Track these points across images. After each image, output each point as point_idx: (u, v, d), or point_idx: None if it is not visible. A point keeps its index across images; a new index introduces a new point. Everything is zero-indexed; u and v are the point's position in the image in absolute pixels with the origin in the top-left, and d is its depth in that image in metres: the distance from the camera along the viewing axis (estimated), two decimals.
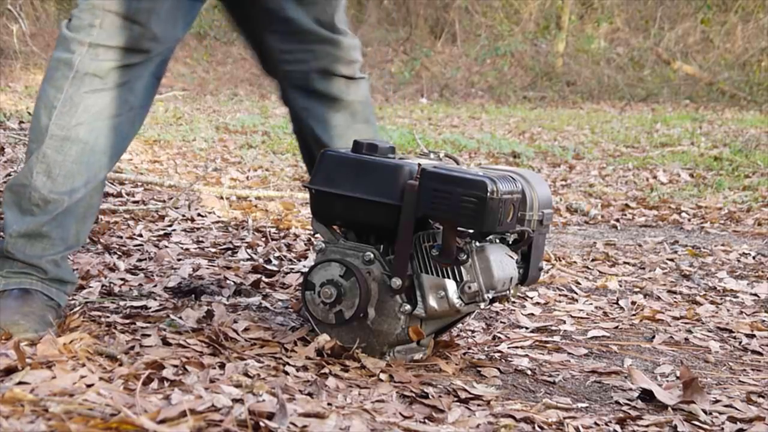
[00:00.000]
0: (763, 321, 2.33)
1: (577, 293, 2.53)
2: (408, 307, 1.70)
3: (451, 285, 1.68)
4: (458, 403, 1.56)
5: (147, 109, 1.89)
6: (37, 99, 1.82)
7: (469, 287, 1.67)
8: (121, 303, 2.00)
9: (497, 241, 1.75)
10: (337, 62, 1.98)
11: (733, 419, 1.58)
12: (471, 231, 1.69)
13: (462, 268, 1.68)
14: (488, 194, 1.60)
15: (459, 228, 1.66)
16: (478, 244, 1.70)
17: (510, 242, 1.77)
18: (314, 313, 1.75)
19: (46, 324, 1.72)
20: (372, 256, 1.72)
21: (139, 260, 2.49)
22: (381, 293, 1.72)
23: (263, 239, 2.91)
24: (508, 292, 1.75)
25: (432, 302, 1.69)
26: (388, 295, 1.71)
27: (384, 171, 1.70)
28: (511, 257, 1.75)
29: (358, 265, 1.72)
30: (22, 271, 1.79)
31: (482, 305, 1.71)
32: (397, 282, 1.69)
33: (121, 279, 2.24)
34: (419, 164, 1.69)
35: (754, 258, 3.19)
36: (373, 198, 1.69)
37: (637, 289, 2.62)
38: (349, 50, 1.99)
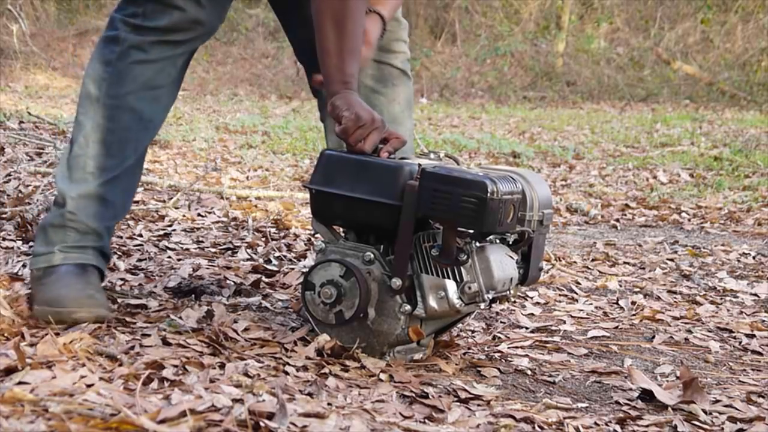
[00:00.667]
0: (763, 321, 2.33)
1: (577, 293, 2.53)
2: (408, 307, 1.70)
3: (451, 285, 1.68)
4: (458, 403, 1.56)
5: (181, 81, 1.98)
6: (84, 76, 1.92)
7: (469, 287, 1.67)
8: (121, 303, 2.00)
9: (497, 241, 1.75)
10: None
11: (733, 419, 1.58)
12: (471, 231, 1.69)
13: (462, 268, 1.68)
14: (488, 195, 1.60)
15: (459, 228, 1.66)
16: (478, 244, 1.69)
17: (510, 242, 1.77)
18: (314, 313, 1.75)
19: (104, 306, 1.80)
20: (372, 256, 1.72)
21: (139, 260, 2.49)
22: (381, 293, 1.72)
23: (263, 239, 2.91)
24: (508, 292, 1.75)
25: (432, 302, 1.69)
26: (388, 296, 1.71)
27: (384, 171, 1.69)
28: (511, 257, 1.75)
29: (358, 265, 1.72)
30: (78, 244, 1.86)
31: (482, 305, 1.71)
32: (397, 282, 1.69)
33: (121, 279, 2.24)
34: (419, 164, 1.69)
35: (754, 258, 3.19)
36: (373, 198, 1.69)
37: (637, 289, 2.62)
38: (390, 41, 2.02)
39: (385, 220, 1.69)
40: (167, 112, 1.98)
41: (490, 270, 1.68)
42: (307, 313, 1.77)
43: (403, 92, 2.05)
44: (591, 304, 2.42)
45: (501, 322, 2.16)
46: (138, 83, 1.89)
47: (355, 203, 1.71)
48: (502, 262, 1.71)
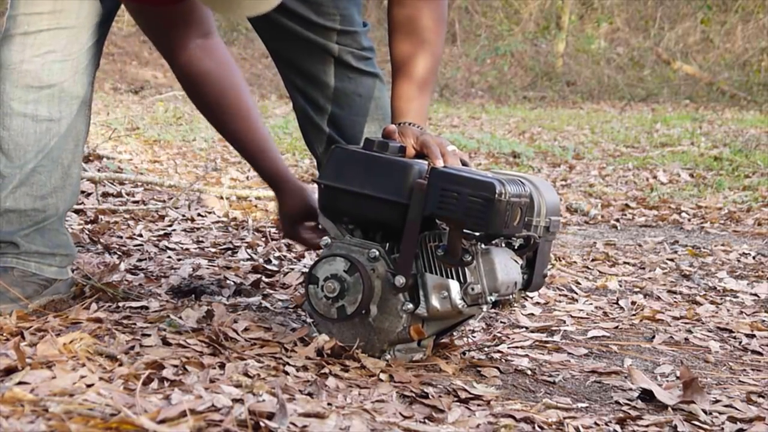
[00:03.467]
0: (763, 321, 2.33)
1: (577, 293, 2.53)
2: (410, 306, 1.70)
3: (454, 286, 1.68)
4: (458, 403, 1.56)
5: (91, 73, 1.91)
6: None
7: (473, 289, 1.67)
8: (121, 303, 2.00)
9: (503, 245, 1.75)
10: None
11: (733, 419, 1.58)
12: (477, 234, 1.68)
13: (466, 269, 1.68)
14: (496, 195, 1.60)
15: (465, 230, 1.66)
16: (483, 246, 1.69)
17: (516, 247, 1.77)
18: (316, 307, 1.74)
19: (10, 300, 1.83)
20: (377, 253, 1.71)
21: (139, 260, 2.49)
22: (384, 291, 1.71)
23: (263, 239, 2.91)
24: (511, 296, 1.75)
25: (435, 302, 1.69)
26: (391, 293, 1.71)
27: (394, 169, 1.69)
28: (516, 261, 1.74)
29: (363, 261, 1.71)
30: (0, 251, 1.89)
31: (485, 308, 1.71)
32: (400, 280, 1.69)
33: (122, 279, 2.24)
34: (429, 163, 1.69)
35: (754, 258, 3.19)
36: (381, 195, 1.69)
37: (637, 289, 2.62)
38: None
39: (393, 217, 1.69)
40: (80, 106, 1.90)
41: (495, 272, 1.68)
42: (309, 307, 1.76)
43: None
44: (591, 304, 2.42)
45: (501, 322, 2.16)
46: (21, 86, 1.84)
47: (364, 199, 1.71)
48: (507, 266, 1.71)
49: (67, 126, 1.89)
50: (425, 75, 1.87)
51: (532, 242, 1.73)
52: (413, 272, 1.69)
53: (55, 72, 1.85)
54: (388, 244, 1.73)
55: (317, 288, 1.74)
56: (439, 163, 1.71)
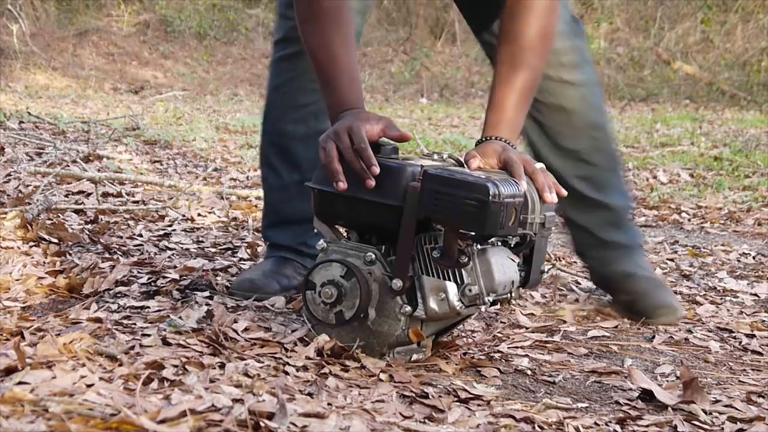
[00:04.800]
0: (763, 321, 2.33)
1: (577, 293, 2.53)
2: (408, 308, 1.70)
3: (451, 287, 1.68)
4: (458, 403, 1.56)
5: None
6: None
7: (470, 290, 1.67)
8: (121, 303, 2.00)
9: (499, 243, 1.75)
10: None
11: (733, 419, 1.58)
12: (472, 233, 1.68)
13: (463, 270, 1.67)
14: (490, 197, 1.59)
15: (460, 230, 1.65)
16: (479, 246, 1.69)
17: (512, 245, 1.76)
18: (314, 313, 1.74)
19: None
20: (373, 256, 1.71)
21: (140, 260, 2.49)
22: (382, 294, 1.71)
23: (263, 239, 2.91)
24: (509, 295, 1.74)
25: (432, 304, 1.69)
26: (389, 296, 1.71)
27: (386, 172, 1.69)
28: (513, 260, 1.74)
29: (359, 265, 1.71)
30: None
31: (483, 308, 1.71)
32: (397, 283, 1.68)
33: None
34: (422, 166, 1.68)
35: (754, 258, 3.19)
36: (374, 199, 1.68)
37: None
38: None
39: (387, 220, 1.68)
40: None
41: (491, 272, 1.67)
42: (307, 313, 1.76)
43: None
44: (591, 304, 2.42)
45: (501, 322, 2.16)
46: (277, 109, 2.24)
47: (357, 203, 1.70)
48: (503, 265, 1.71)
49: None
50: (523, 87, 1.85)
51: (528, 240, 1.73)
52: (410, 275, 1.69)
53: (295, 93, 2.22)
54: (384, 247, 1.73)
55: (314, 294, 1.74)
56: (523, 184, 1.69)
